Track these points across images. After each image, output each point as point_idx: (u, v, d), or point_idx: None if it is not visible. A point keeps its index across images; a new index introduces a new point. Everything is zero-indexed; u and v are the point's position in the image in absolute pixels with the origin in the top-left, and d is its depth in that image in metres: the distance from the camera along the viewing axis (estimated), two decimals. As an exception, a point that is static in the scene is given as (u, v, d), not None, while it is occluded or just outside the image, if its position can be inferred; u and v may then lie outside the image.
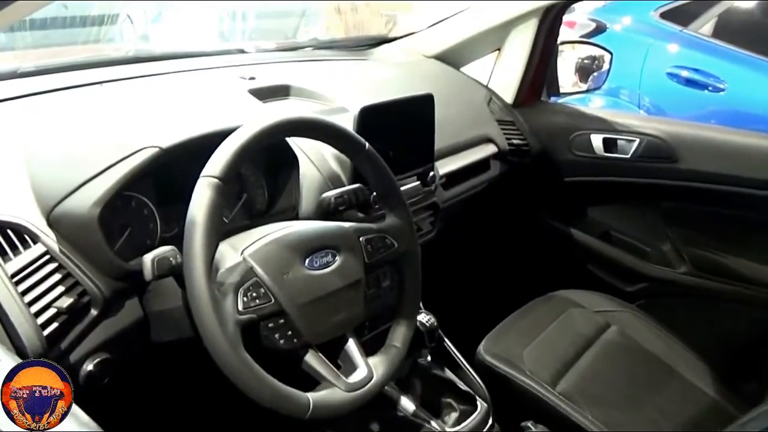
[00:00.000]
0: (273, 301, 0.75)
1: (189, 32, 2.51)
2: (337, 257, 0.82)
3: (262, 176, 1.01)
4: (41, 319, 0.73)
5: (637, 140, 1.48)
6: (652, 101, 2.82)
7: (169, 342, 0.83)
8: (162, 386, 0.99)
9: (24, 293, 0.73)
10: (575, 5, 2.19)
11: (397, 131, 1.11)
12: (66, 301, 0.75)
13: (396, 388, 1.02)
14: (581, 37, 2.73)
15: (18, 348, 0.71)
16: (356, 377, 0.80)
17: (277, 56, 1.53)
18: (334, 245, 0.82)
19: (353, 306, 0.84)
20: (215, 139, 0.76)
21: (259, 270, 0.75)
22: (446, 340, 1.14)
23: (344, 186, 0.99)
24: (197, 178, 0.72)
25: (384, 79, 1.46)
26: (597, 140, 1.53)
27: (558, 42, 1.67)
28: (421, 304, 1.02)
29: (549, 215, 1.71)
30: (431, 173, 1.22)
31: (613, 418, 1.08)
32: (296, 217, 0.97)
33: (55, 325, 0.74)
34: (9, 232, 0.76)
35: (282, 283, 0.76)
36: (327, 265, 0.81)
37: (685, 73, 2.74)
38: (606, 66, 1.92)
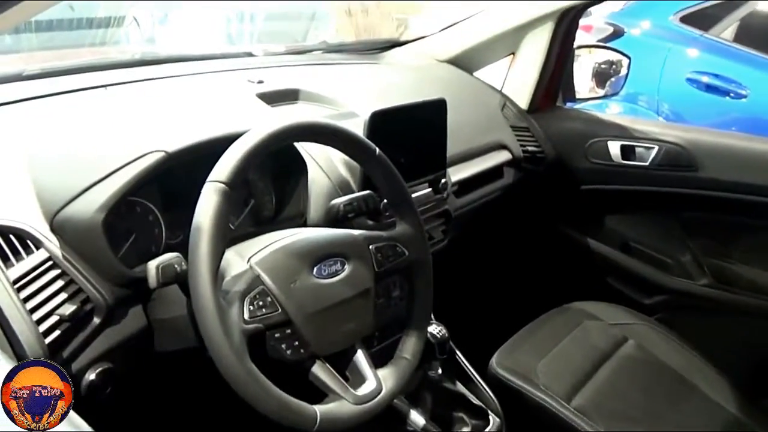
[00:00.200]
0: (280, 310, 0.73)
1: (196, 35, 2.51)
2: (346, 266, 0.81)
3: (270, 182, 1.00)
4: (43, 327, 0.72)
5: (656, 147, 1.45)
6: (671, 107, 2.78)
7: (173, 351, 0.82)
8: (165, 397, 0.98)
9: (26, 300, 0.72)
10: (592, 8, 2.17)
11: (408, 137, 1.09)
12: (68, 309, 0.73)
13: (405, 401, 1.01)
14: (598, 41, 2.69)
15: (19, 356, 0.70)
16: (365, 390, 0.79)
17: (286, 59, 1.52)
18: (343, 253, 0.81)
19: (362, 316, 0.82)
20: (222, 144, 0.75)
21: (265, 278, 0.74)
22: (458, 352, 1.12)
23: (354, 193, 0.98)
24: (203, 183, 0.71)
25: (395, 84, 1.44)
26: (614, 147, 1.50)
27: (574, 46, 1.64)
28: (432, 315, 1.00)
29: (564, 224, 1.68)
30: (443, 180, 1.20)
31: None
32: (304, 224, 0.97)
33: (57, 332, 0.73)
34: (11, 237, 0.75)
35: (289, 292, 0.74)
36: (335, 273, 0.79)
37: (705, 79, 2.69)
38: (624, 71, 1.89)
